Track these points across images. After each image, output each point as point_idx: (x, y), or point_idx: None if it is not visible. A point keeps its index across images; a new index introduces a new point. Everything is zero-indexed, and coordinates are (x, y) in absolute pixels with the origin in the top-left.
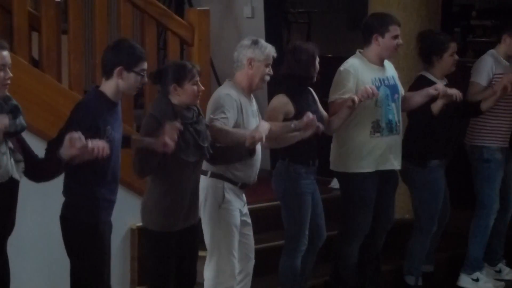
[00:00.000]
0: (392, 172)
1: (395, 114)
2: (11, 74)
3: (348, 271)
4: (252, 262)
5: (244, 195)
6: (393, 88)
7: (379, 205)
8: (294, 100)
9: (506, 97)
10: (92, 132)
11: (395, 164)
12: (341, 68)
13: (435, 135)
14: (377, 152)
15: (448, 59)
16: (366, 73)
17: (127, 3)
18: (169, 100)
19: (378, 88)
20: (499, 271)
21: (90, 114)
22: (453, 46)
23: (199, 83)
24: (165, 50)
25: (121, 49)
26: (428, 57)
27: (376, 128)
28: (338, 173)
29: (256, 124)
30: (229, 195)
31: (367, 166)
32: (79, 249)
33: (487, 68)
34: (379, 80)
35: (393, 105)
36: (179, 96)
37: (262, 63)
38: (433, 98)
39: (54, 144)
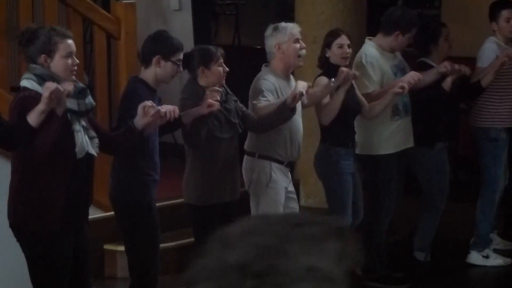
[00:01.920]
0: (403, 152)
1: (408, 97)
2: (77, 61)
3: (379, 248)
4: None
5: (289, 173)
6: (404, 72)
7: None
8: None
9: (509, 78)
10: None
11: (411, 141)
12: (363, 61)
13: (438, 118)
14: (398, 134)
15: (443, 44)
16: (384, 62)
17: None
18: (197, 83)
19: (395, 74)
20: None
21: (141, 100)
22: (445, 31)
23: (223, 64)
24: (91, 44)
25: (159, 39)
26: (425, 45)
27: (396, 112)
28: (362, 156)
29: (298, 104)
30: (276, 175)
31: (388, 148)
32: (135, 228)
33: (492, 53)
34: (396, 66)
35: None
36: (206, 78)
37: (289, 42)
38: (441, 78)
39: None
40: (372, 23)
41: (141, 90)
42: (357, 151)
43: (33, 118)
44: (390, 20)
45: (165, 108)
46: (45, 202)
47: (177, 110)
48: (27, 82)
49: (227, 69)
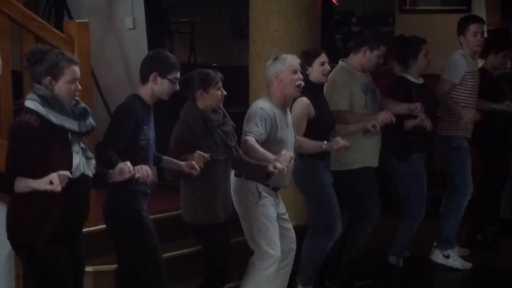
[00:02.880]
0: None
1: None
2: (80, 87)
3: (352, 256)
4: (293, 252)
5: (279, 195)
6: (375, 92)
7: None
8: (313, 102)
9: (473, 93)
10: (134, 131)
11: (376, 161)
12: (335, 79)
13: (413, 130)
14: (367, 150)
15: (422, 60)
16: (354, 82)
17: (4, 16)
18: (196, 106)
19: (365, 93)
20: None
21: (133, 116)
22: (425, 47)
23: (221, 88)
24: None
25: (157, 57)
26: (405, 60)
27: (367, 129)
28: (338, 172)
29: (290, 135)
30: (264, 193)
31: (359, 163)
32: (127, 237)
33: (461, 67)
34: (366, 85)
35: (376, 107)
36: (204, 101)
37: (287, 72)
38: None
39: (101, 148)
40: (327, 41)
41: (133, 106)
42: (332, 167)
43: (20, 186)
44: (358, 37)
45: (140, 173)
46: (37, 218)
47: (151, 177)
48: (30, 103)
49: (225, 93)
